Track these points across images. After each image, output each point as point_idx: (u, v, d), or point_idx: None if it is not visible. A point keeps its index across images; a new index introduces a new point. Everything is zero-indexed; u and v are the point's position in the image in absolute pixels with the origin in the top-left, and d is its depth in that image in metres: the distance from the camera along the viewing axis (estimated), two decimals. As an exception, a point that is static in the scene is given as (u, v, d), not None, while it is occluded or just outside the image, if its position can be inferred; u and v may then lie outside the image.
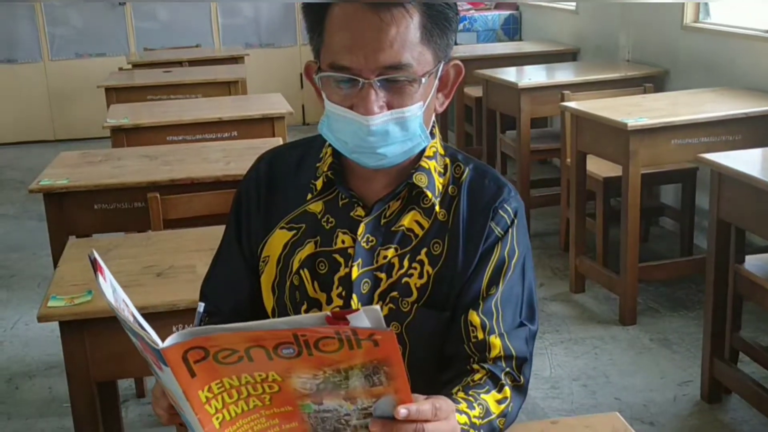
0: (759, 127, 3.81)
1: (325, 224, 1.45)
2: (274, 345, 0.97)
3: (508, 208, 1.44)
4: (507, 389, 1.39)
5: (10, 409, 3.33)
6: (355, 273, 1.43)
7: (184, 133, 4.09)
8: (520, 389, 1.43)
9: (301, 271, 1.46)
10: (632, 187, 3.73)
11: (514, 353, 1.41)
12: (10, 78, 7.94)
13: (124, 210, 3.10)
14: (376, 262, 1.43)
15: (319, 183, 1.46)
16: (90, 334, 2.03)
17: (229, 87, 5.28)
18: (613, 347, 3.66)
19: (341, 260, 1.44)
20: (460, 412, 1.27)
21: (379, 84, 1.31)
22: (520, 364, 1.43)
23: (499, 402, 1.37)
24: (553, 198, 4.98)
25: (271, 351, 0.97)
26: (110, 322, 2.01)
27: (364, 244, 1.43)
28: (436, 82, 1.38)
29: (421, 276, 1.42)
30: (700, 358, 3.32)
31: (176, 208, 2.92)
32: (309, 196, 1.47)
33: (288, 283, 1.47)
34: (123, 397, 3.15)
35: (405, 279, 1.43)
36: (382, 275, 1.43)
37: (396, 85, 1.32)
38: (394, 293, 1.43)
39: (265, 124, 4.14)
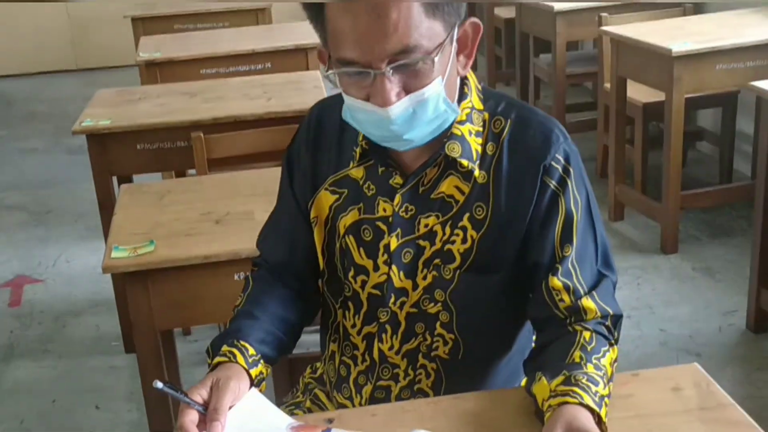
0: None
1: (366, 191, 1.44)
2: None
3: (559, 158, 1.39)
4: (616, 348, 1.39)
5: (60, 348, 3.36)
6: (393, 243, 1.43)
7: (217, 66, 4.06)
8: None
9: (346, 237, 1.46)
10: (675, 115, 3.66)
11: (610, 312, 1.41)
12: (30, 6, 7.81)
13: (167, 150, 3.08)
14: (418, 230, 1.42)
15: (357, 151, 1.43)
16: (154, 284, 2.03)
17: (256, 15, 5.23)
18: (655, 277, 3.65)
19: (384, 228, 1.44)
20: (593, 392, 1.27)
21: (391, 71, 1.25)
22: (616, 321, 1.42)
23: (612, 364, 1.37)
24: (589, 123, 4.90)
25: None
26: (171, 271, 2.04)
27: (403, 214, 1.42)
28: (454, 47, 1.31)
29: (464, 241, 1.40)
30: (745, 287, 3.30)
31: (220, 147, 2.90)
32: (351, 163, 1.45)
33: (337, 246, 1.48)
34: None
35: (447, 246, 1.41)
36: (425, 243, 1.42)
37: (409, 68, 1.26)
38: (437, 260, 1.42)
39: (298, 55, 4.08)
